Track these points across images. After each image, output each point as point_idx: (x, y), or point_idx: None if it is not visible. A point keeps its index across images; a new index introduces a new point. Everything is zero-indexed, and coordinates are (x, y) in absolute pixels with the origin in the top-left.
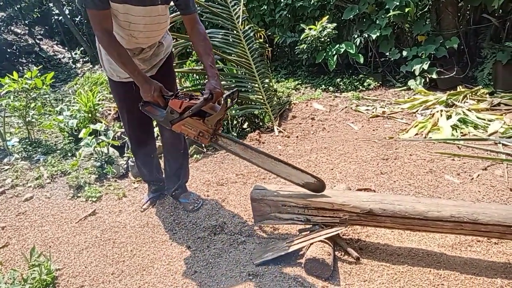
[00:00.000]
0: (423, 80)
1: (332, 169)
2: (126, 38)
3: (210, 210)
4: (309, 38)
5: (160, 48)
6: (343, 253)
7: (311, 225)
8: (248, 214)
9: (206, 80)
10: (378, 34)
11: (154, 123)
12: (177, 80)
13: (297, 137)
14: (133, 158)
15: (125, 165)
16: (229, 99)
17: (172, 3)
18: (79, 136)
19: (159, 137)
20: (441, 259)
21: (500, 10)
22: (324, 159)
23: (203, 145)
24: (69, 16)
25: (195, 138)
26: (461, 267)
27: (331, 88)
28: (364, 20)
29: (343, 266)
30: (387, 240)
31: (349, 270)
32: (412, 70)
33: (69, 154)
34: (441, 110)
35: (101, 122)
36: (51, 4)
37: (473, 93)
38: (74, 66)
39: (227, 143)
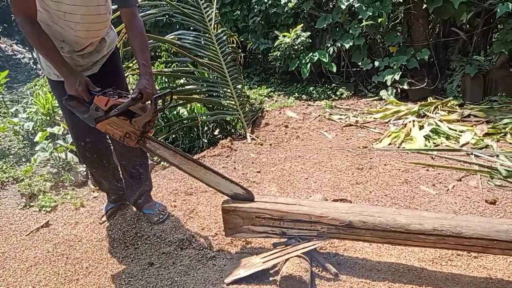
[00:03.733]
0: (394, 90)
1: (307, 179)
2: (65, 29)
3: (177, 222)
4: (282, 45)
5: (102, 43)
6: (321, 269)
7: (286, 239)
8: (218, 227)
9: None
10: (351, 43)
11: None
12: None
13: (270, 145)
14: (85, 167)
15: (85, 172)
16: (160, 101)
17: None
18: (35, 140)
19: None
20: (422, 275)
21: (468, 25)
22: (298, 168)
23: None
24: None
25: (121, 139)
26: (443, 283)
27: (304, 96)
28: (337, 29)
29: (321, 283)
30: (365, 255)
31: (327, 287)
32: (384, 80)
33: (23, 160)
34: (413, 121)
35: (60, 126)
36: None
37: (444, 105)
38: (34, 67)
39: (156, 146)
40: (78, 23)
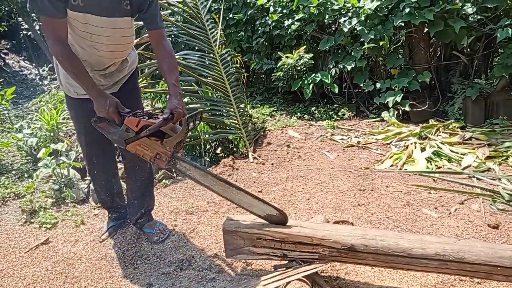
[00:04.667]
0: (396, 112)
1: (308, 199)
2: (90, 50)
3: (177, 242)
4: (285, 66)
5: (124, 64)
6: None
7: (287, 261)
8: (219, 247)
9: (168, 99)
10: (353, 65)
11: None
12: (149, 101)
13: (272, 164)
14: (92, 183)
15: (86, 189)
16: (191, 121)
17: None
18: (38, 156)
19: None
20: None
21: (469, 49)
22: (300, 188)
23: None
24: (39, 32)
25: (152, 160)
26: None
27: (306, 116)
28: (340, 51)
29: None
30: (367, 279)
31: None
32: (386, 102)
33: (26, 175)
34: (415, 142)
35: (64, 142)
36: (20, 19)
37: (445, 127)
38: (41, 83)
39: (186, 167)
40: (103, 44)
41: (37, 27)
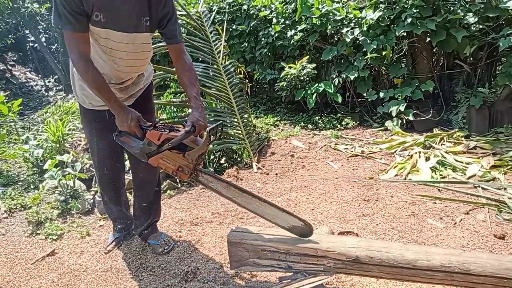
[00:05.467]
0: (399, 121)
1: (313, 209)
2: (109, 64)
3: (182, 254)
4: (289, 76)
5: (140, 77)
6: None
7: (292, 273)
8: (224, 258)
9: (189, 111)
10: (356, 75)
11: (125, 155)
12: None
13: (276, 174)
14: (100, 193)
15: (92, 200)
16: (213, 133)
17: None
18: (44, 168)
19: (129, 170)
20: None
21: (471, 58)
22: (304, 198)
23: (178, 180)
24: (45, 44)
25: (174, 173)
26: None
27: (310, 126)
28: (342, 61)
29: None
30: None
31: None
32: (389, 111)
33: (32, 187)
34: (419, 152)
35: (69, 153)
36: (27, 31)
37: (450, 136)
38: (46, 94)
39: (208, 179)
40: (123, 59)
41: (43, 39)
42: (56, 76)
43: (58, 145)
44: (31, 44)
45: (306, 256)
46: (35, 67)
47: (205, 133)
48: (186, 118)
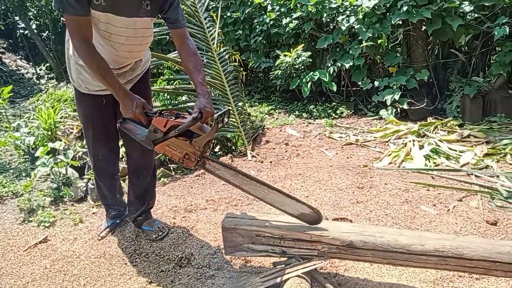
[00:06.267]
0: (394, 110)
1: (307, 197)
2: (108, 49)
3: (176, 240)
4: (283, 64)
5: (138, 63)
6: None
7: (286, 258)
8: (218, 244)
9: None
10: (351, 63)
11: (120, 142)
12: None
13: (270, 162)
14: (94, 180)
15: (84, 188)
16: (220, 120)
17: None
18: (36, 155)
19: (123, 158)
20: None
21: (466, 47)
22: (298, 186)
23: (172, 168)
24: (35, 31)
25: (180, 161)
26: None
27: (304, 115)
28: (338, 49)
29: None
30: (366, 275)
31: None
32: (384, 100)
33: (24, 174)
34: (414, 140)
35: (61, 141)
36: (16, 18)
37: (444, 125)
38: (38, 82)
39: (216, 167)
40: (122, 44)
41: (34, 26)
42: (48, 64)
43: (50, 133)
44: (21, 31)
45: (300, 241)
46: (25, 55)
47: (212, 120)
48: (193, 105)
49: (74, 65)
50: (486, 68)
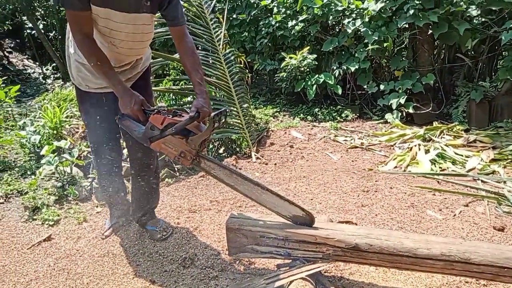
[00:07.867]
0: (399, 114)
1: (311, 199)
2: (107, 46)
3: (180, 240)
4: (289, 67)
5: (138, 61)
6: None
7: (291, 260)
8: (222, 245)
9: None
10: (356, 67)
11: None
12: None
13: (275, 164)
14: (97, 178)
15: (89, 187)
16: (217, 119)
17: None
18: (41, 154)
19: (127, 158)
20: None
21: (473, 51)
22: (303, 188)
23: (177, 168)
24: (43, 31)
25: (176, 159)
26: None
27: (309, 117)
28: (343, 52)
29: None
30: (371, 279)
31: None
32: (389, 103)
33: (29, 173)
34: (419, 144)
35: (66, 140)
36: (24, 18)
37: (449, 129)
38: (44, 81)
39: (211, 166)
40: (122, 40)
41: (41, 26)
42: (54, 64)
43: (55, 132)
44: (28, 31)
45: (305, 243)
46: (32, 54)
47: (209, 120)
48: (189, 105)
49: (74, 63)
50: (493, 73)
